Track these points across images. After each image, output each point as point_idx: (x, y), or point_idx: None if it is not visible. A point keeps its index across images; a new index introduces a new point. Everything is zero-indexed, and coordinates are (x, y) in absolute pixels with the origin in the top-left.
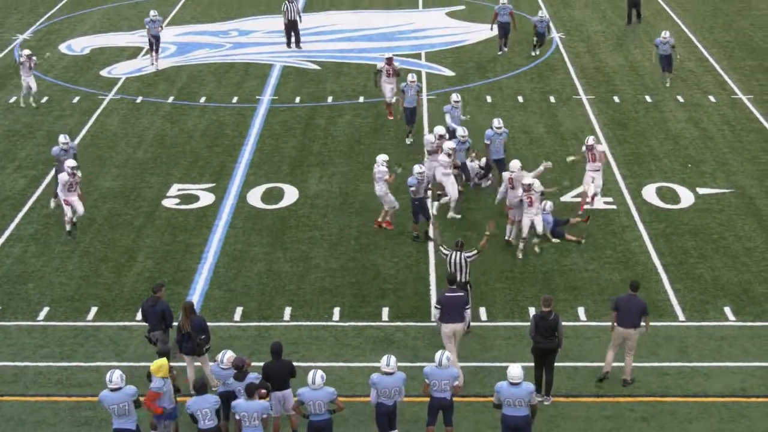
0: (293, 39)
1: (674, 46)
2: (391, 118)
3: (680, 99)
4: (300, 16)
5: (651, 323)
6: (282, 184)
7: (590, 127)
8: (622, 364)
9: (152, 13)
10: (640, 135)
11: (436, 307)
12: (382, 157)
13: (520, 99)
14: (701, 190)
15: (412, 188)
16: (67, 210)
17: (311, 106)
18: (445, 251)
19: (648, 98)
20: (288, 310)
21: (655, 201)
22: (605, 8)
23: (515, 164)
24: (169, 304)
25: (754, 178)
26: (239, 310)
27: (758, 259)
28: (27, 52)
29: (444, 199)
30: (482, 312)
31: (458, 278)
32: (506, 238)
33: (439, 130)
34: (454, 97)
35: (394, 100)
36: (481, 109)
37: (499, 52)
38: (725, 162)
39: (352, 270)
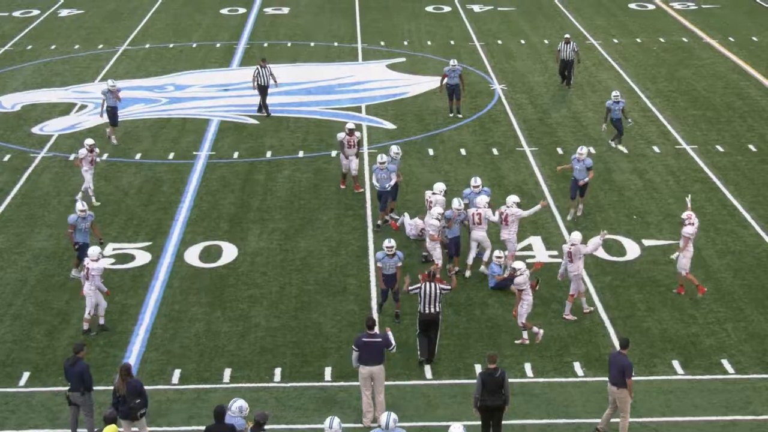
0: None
1: (624, 109)
2: (344, 186)
3: (624, 150)
4: (275, 81)
5: (596, 378)
6: (220, 241)
7: (534, 180)
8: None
9: (110, 82)
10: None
11: (353, 350)
12: (437, 210)
13: (463, 152)
14: (647, 242)
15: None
16: (89, 303)
17: (250, 161)
18: (414, 288)
19: (592, 149)
20: (228, 372)
21: (601, 253)
22: (547, 59)
23: (576, 237)
24: (94, 366)
25: (700, 229)
26: (177, 373)
27: (705, 311)
28: None
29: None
30: (427, 370)
31: (429, 309)
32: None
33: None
34: (394, 149)
35: (355, 172)
36: (423, 162)
37: (450, 114)
38: (670, 213)
39: (293, 329)
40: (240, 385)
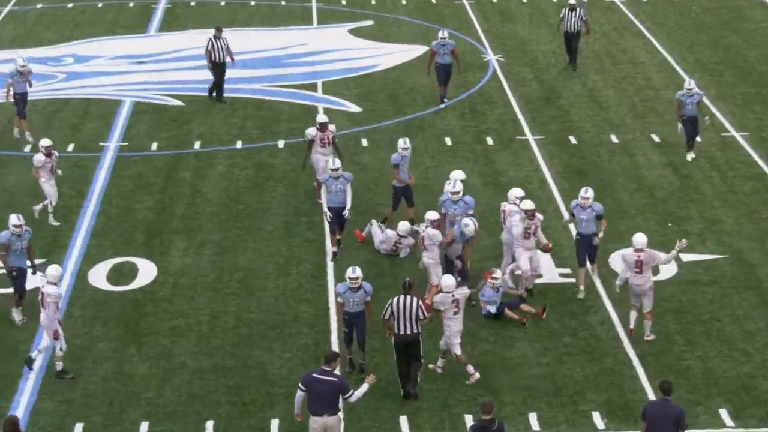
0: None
1: (700, 102)
2: (320, 200)
3: (655, 138)
4: (231, 57)
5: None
6: (135, 258)
7: (540, 176)
8: None
9: (20, 60)
10: (604, 186)
11: (299, 388)
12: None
13: (448, 141)
14: (686, 257)
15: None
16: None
17: (173, 154)
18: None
19: (614, 138)
20: (144, 426)
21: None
22: (555, 21)
23: (642, 240)
24: None
25: (753, 240)
26: (79, 427)
27: (761, 346)
28: None
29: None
30: (403, 422)
31: (405, 329)
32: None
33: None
34: (402, 143)
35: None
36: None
37: (442, 105)
38: (716, 219)
39: (229, 370)
40: None
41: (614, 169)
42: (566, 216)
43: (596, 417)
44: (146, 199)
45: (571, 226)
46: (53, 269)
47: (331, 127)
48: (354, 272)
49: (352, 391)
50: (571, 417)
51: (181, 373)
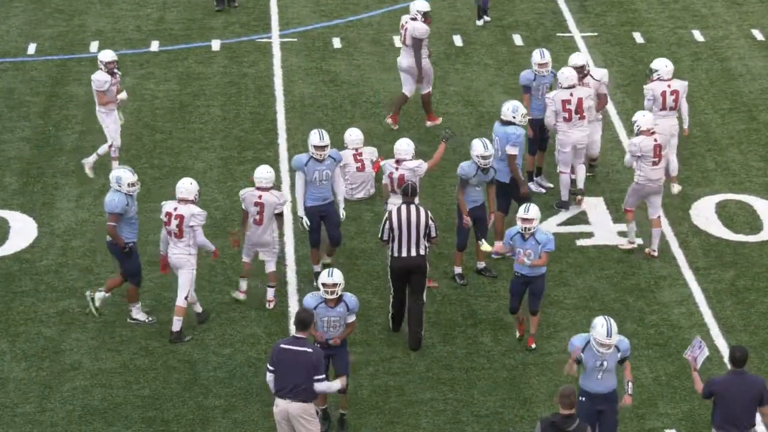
0: None
1: None
2: (393, 124)
3: (757, 35)
4: None
5: None
6: (5, 211)
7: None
8: None
9: None
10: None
11: (268, 371)
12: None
13: (458, 41)
14: None
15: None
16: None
17: (58, 60)
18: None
19: (697, 34)
20: None
21: (716, 228)
22: None
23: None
24: None
25: None
26: None
27: None
28: None
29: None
30: None
31: (408, 251)
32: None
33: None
34: (537, 57)
35: (424, 89)
36: (382, 63)
37: (479, 22)
38: None
39: (144, 371)
40: None
41: (699, 81)
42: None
43: None
44: (20, 127)
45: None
46: (187, 181)
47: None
48: (331, 276)
49: (324, 375)
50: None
51: (75, 378)
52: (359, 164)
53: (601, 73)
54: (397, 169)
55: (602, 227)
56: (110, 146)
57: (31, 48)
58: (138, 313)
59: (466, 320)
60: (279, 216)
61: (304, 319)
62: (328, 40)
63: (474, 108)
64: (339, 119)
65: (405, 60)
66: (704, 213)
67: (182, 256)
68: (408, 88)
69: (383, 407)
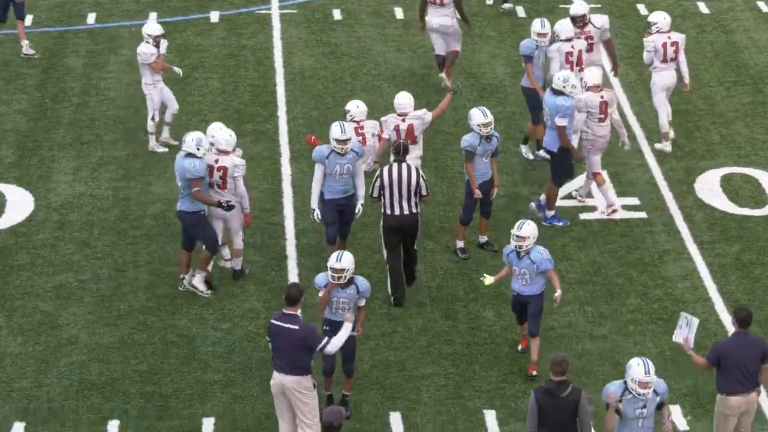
0: None
1: None
2: (451, 88)
3: (762, 6)
4: None
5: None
6: (0, 184)
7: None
8: None
9: None
10: (690, 77)
11: (267, 339)
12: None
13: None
14: None
15: None
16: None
17: (55, 32)
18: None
19: (702, 6)
20: (19, 429)
21: (721, 202)
22: None
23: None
24: None
25: None
26: None
27: None
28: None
29: None
30: (395, 420)
31: (400, 209)
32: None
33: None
34: (538, 26)
35: (453, 46)
36: (385, 35)
37: (504, 6)
38: None
39: (140, 347)
40: None
41: (704, 53)
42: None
43: (675, 412)
44: (17, 99)
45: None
46: (226, 133)
47: None
48: (339, 261)
49: (325, 339)
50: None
51: (71, 353)
52: (360, 138)
53: (602, 21)
54: (403, 120)
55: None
56: (152, 118)
57: (28, 20)
58: (200, 282)
59: (468, 295)
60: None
61: (292, 295)
62: (329, 12)
63: (476, 80)
64: (339, 92)
65: (436, 19)
66: (709, 186)
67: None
68: (439, 45)
69: (384, 382)
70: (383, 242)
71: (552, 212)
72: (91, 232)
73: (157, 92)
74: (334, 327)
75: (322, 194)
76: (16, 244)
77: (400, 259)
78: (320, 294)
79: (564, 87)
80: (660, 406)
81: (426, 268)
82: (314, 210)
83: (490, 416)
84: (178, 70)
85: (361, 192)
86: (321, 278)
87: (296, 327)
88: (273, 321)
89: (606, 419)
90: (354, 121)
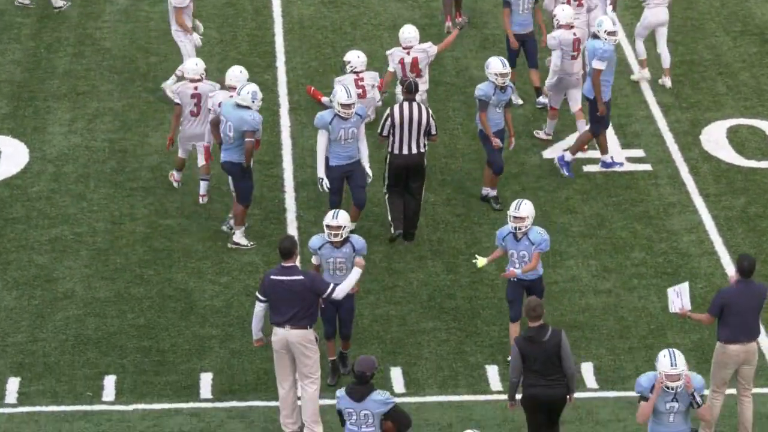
0: None
1: None
2: (458, 24)
3: None
4: None
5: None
6: None
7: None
8: None
9: None
10: (695, 27)
11: (259, 300)
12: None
13: None
14: None
15: None
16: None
17: None
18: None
19: None
20: (14, 384)
21: (727, 154)
22: None
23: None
24: None
25: None
26: None
27: None
28: None
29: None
30: (396, 376)
31: (409, 148)
32: None
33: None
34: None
35: None
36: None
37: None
38: None
39: (139, 302)
40: (37, 408)
41: (710, 2)
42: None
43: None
44: (11, 49)
45: None
46: (237, 70)
47: None
48: (336, 218)
49: (332, 286)
50: (644, 369)
51: (67, 307)
52: (360, 90)
53: None
54: (408, 53)
55: (610, 152)
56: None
57: None
58: (241, 237)
59: (470, 248)
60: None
61: (287, 248)
62: None
63: (479, 30)
64: (339, 41)
65: None
66: (715, 138)
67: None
68: None
69: (384, 337)
70: (386, 180)
71: (573, 158)
72: (87, 185)
73: (188, 40)
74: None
75: (327, 161)
76: (10, 196)
77: (402, 196)
78: (313, 260)
79: (598, 31)
80: (695, 405)
81: (427, 221)
82: (322, 179)
83: (492, 371)
84: (197, 36)
85: (365, 155)
86: (315, 240)
87: (301, 277)
88: (272, 276)
89: (639, 412)
90: (354, 72)
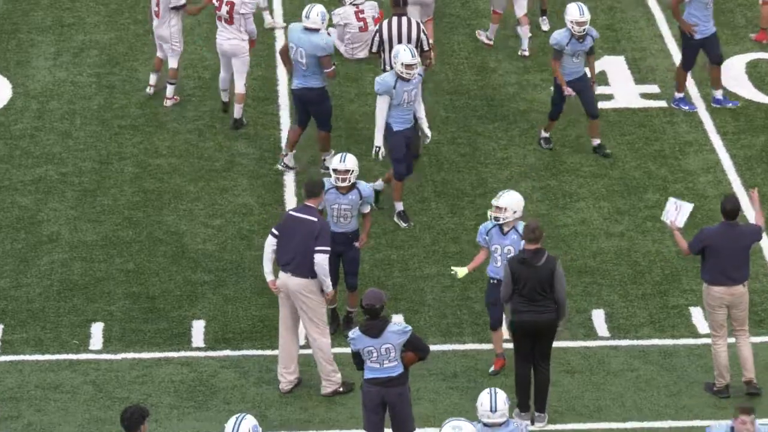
0: None
1: None
2: None
3: None
4: None
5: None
6: None
7: None
8: None
9: None
10: None
11: (272, 234)
12: None
13: None
14: None
15: None
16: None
17: None
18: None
19: None
20: None
21: (746, 90)
22: None
23: None
24: None
25: None
26: None
27: None
28: None
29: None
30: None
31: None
32: None
33: None
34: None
35: None
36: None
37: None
38: None
39: (127, 246)
40: (20, 357)
41: None
42: None
43: (696, 315)
44: None
45: None
46: None
47: None
48: (343, 162)
49: (329, 248)
50: (658, 316)
51: (52, 251)
52: (362, 23)
53: None
54: None
55: (623, 89)
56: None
57: None
58: (291, 160)
59: (475, 189)
60: (176, 9)
61: (311, 188)
62: None
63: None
64: None
65: None
66: (734, 73)
67: (235, 42)
68: None
69: (386, 282)
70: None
71: (681, 94)
72: (73, 122)
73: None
74: (337, 240)
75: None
76: None
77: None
78: (319, 207)
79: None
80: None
81: (430, 160)
82: (379, 147)
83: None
84: None
85: (423, 115)
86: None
87: (314, 219)
88: (291, 212)
89: None
90: (353, 4)
